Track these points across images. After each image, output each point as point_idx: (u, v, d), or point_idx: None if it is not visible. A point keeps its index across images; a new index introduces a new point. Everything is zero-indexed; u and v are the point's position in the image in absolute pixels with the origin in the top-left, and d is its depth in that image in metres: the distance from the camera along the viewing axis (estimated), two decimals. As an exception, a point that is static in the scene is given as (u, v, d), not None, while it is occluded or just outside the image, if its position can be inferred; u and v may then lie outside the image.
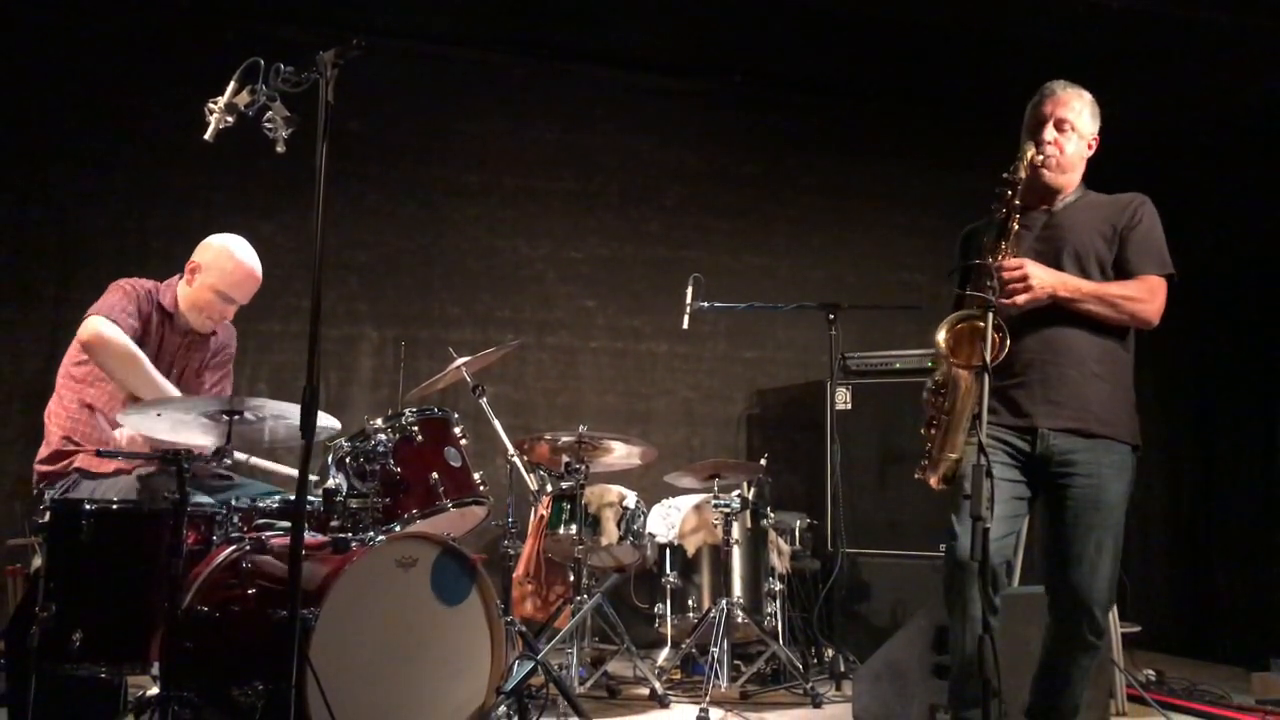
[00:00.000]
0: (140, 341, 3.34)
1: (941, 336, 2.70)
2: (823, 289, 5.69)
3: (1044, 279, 2.75)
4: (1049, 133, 2.88)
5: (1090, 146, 2.96)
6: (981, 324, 2.58)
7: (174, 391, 3.30)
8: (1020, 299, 2.73)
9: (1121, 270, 2.87)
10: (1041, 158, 2.84)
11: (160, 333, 3.46)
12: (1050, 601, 2.88)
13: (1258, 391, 5.83)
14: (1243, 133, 5.81)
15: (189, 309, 3.48)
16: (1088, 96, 2.94)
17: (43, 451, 3.34)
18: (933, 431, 2.80)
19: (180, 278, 3.52)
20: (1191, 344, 5.86)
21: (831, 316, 4.83)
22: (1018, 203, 2.77)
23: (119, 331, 3.25)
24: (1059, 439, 2.80)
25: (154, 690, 2.78)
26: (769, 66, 6.04)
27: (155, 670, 2.79)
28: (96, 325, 3.25)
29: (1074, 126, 2.90)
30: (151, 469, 3.24)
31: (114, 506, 2.91)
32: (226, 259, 3.47)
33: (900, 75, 6.03)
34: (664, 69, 6.00)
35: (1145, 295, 2.82)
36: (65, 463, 3.28)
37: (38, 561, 3.00)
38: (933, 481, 2.82)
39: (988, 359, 2.51)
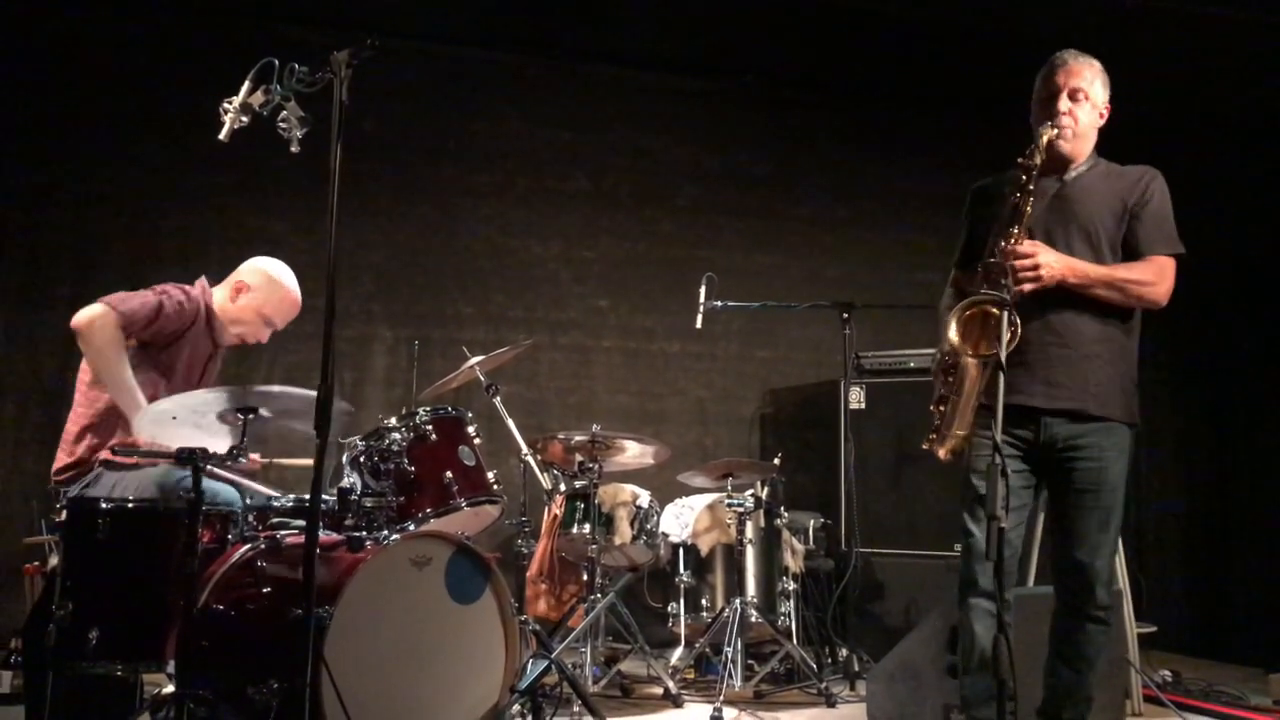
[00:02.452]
0: (175, 344, 3.35)
1: (953, 330, 2.70)
2: (836, 288, 5.67)
3: (1054, 267, 2.75)
4: (1063, 103, 2.87)
5: (1102, 115, 2.96)
6: (992, 309, 2.59)
7: (140, 401, 3.16)
8: (1028, 288, 2.73)
9: (1130, 249, 2.87)
10: (1056, 131, 2.82)
11: (201, 337, 3.46)
12: (1055, 579, 2.92)
13: (1274, 390, 5.80)
14: (1261, 119, 5.78)
15: (227, 322, 3.51)
16: (1098, 65, 2.93)
17: (60, 458, 3.34)
18: (942, 409, 2.81)
19: (210, 283, 3.54)
20: (1207, 341, 5.84)
21: (845, 315, 4.81)
22: (1031, 187, 2.76)
23: (112, 325, 3.17)
24: (1061, 426, 2.82)
25: (169, 688, 2.79)
26: (781, 66, 6.03)
27: (171, 668, 2.80)
28: (91, 312, 3.18)
29: (1087, 95, 2.89)
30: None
31: (130, 505, 2.92)
32: (277, 286, 3.53)
33: (913, 74, 6.01)
34: (676, 69, 6.00)
35: (1154, 277, 2.83)
36: (88, 461, 3.28)
37: (55, 560, 3.01)
38: (941, 453, 2.84)
39: (1003, 357, 2.50)
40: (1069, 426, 2.82)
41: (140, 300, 3.27)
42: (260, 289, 3.51)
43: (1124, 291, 2.81)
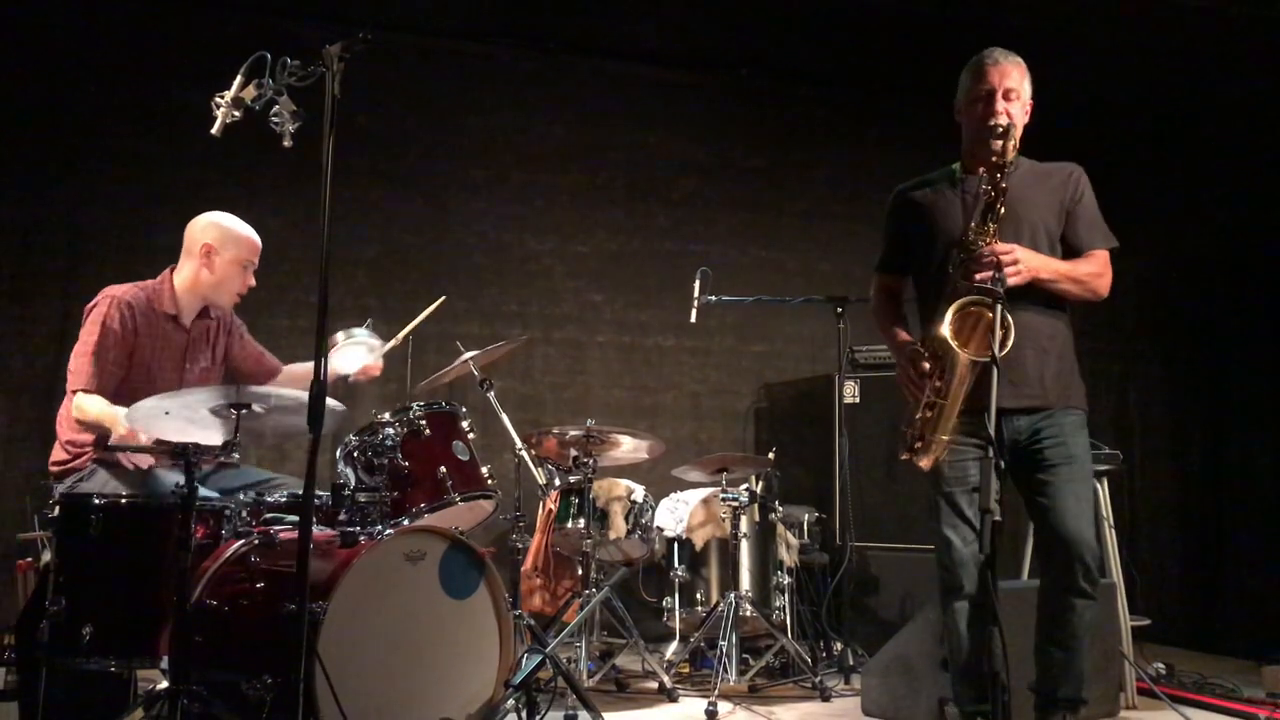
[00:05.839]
0: (134, 355, 3.34)
1: (947, 329, 2.70)
2: (831, 282, 5.68)
3: (1031, 264, 2.81)
4: (1000, 104, 2.91)
5: (1027, 113, 3.00)
6: (986, 311, 2.60)
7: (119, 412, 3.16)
8: (1012, 282, 2.75)
9: (1071, 246, 2.98)
10: (1011, 132, 2.82)
11: (162, 338, 3.43)
12: (1044, 559, 2.95)
13: (1268, 382, 5.81)
14: (1255, 119, 5.77)
15: (214, 291, 3.53)
16: (1023, 63, 2.98)
17: (55, 454, 3.34)
18: (928, 414, 2.80)
19: (171, 271, 3.53)
20: (1201, 335, 5.83)
21: (840, 310, 4.82)
22: (1005, 185, 2.79)
23: (99, 404, 3.20)
24: (1022, 420, 2.89)
25: (163, 684, 2.78)
26: (776, 60, 6.02)
27: (164, 664, 2.79)
28: (81, 406, 3.21)
29: (1019, 95, 2.95)
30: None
31: (123, 501, 2.93)
32: (236, 231, 3.57)
33: (907, 68, 6.00)
34: (671, 62, 5.99)
35: (1103, 270, 2.97)
36: (82, 459, 3.28)
37: (48, 556, 3.01)
38: (924, 464, 2.86)
39: (997, 353, 2.51)
40: (1028, 419, 2.90)
41: (84, 359, 3.26)
42: (227, 242, 3.53)
43: (1083, 285, 2.93)
